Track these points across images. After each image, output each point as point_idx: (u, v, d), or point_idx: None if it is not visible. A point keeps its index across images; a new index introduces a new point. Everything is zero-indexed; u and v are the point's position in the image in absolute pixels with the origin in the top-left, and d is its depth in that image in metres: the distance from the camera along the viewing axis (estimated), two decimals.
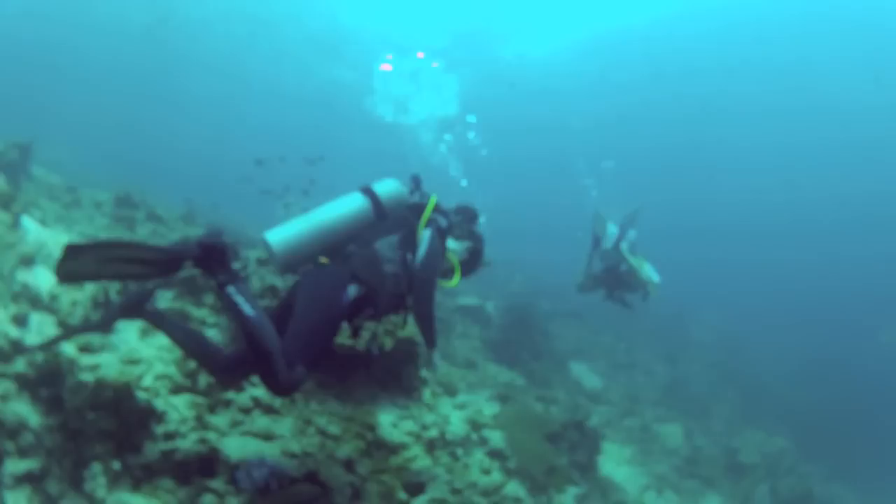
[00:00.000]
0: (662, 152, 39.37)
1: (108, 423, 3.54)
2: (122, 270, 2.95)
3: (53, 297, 4.00)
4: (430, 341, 3.91)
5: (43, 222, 4.97)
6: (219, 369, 3.39)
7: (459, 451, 5.85)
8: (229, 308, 3.10)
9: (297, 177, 11.73)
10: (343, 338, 5.33)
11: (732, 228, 44.33)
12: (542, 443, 7.52)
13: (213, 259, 3.10)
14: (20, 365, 3.54)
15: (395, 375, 6.22)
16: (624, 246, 8.29)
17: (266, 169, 12.18)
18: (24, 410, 3.41)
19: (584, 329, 16.36)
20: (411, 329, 5.94)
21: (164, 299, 5.10)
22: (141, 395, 3.82)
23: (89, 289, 4.21)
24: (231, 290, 3.09)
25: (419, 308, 3.75)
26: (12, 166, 8.49)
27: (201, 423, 4.07)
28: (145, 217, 9.75)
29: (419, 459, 5.44)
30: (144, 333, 4.45)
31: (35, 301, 3.91)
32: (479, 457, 6.01)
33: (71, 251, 2.80)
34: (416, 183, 4.18)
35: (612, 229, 8.41)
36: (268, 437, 4.41)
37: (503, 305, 13.73)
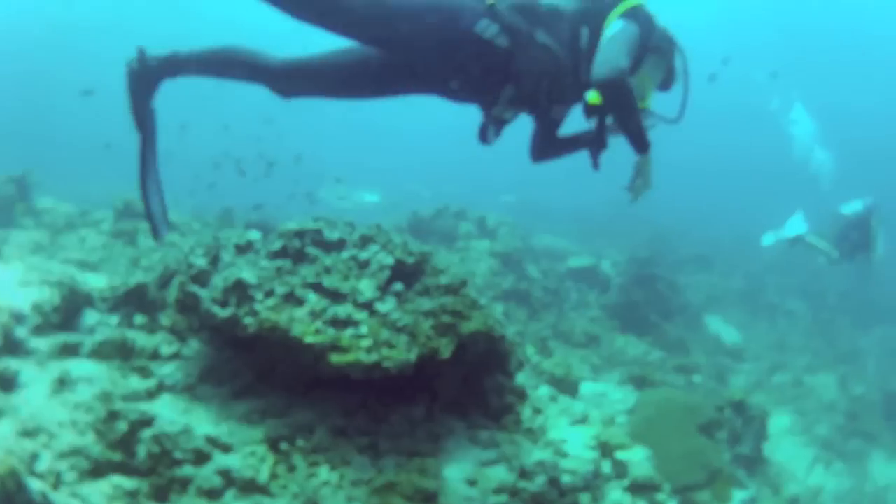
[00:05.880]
0: None
1: None
2: None
3: None
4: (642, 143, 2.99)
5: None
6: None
7: (585, 499, 4.10)
8: (189, 68, 3.13)
9: None
10: (359, 354, 3.54)
11: None
12: (697, 439, 6.40)
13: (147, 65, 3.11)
14: None
15: (473, 394, 4.36)
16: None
17: None
18: None
19: (713, 273, 14.85)
20: (484, 319, 4.02)
21: (108, 326, 4.20)
22: (34, 485, 2.80)
23: None
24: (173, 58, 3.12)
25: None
26: (7, 200, 8.13)
27: None
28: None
29: None
30: (61, 386, 3.41)
31: None
32: (616, 498, 4.40)
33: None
34: None
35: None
36: None
37: (622, 261, 12.38)
